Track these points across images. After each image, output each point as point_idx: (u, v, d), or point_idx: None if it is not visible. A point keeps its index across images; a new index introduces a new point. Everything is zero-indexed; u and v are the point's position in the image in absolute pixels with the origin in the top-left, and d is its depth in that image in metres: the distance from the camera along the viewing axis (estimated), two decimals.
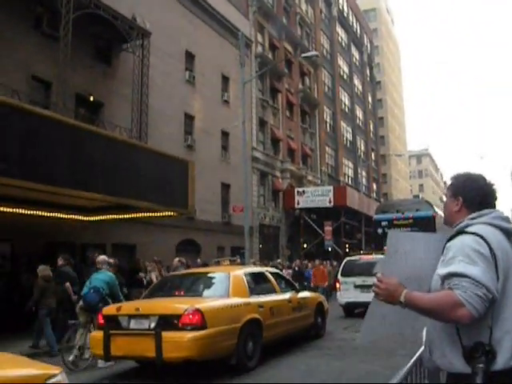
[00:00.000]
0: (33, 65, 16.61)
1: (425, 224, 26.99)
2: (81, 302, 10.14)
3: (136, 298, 11.76)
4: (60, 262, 12.27)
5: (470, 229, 2.49)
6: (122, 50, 20.22)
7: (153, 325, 7.78)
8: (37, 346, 11.25)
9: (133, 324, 8.05)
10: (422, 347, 3.32)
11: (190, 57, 25.81)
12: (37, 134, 11.71)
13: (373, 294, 2.54)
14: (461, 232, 2.50)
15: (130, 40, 19.25)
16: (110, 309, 8.74)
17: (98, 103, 19.50)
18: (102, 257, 10.94)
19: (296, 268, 23.29)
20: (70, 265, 12.58)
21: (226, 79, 29.04)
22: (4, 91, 13.96)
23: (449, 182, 2.80)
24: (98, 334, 8.37)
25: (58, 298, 11.89)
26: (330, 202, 34.33)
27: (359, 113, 56.78)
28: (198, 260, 19.10)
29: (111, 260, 13.34)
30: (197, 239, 24.79)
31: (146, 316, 7.97)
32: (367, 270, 16.20)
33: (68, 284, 11.87)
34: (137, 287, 14.39)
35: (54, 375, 3.16)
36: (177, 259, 16.92)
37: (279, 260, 27.05)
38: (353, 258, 18.16)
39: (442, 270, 2.42)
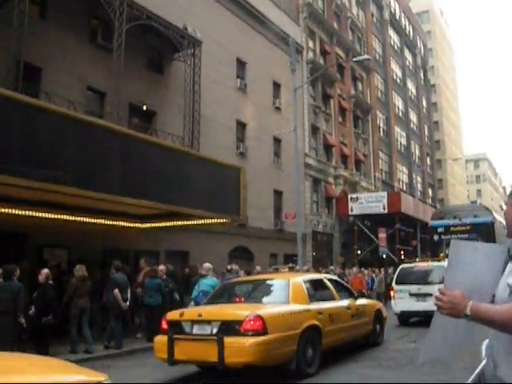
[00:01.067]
0: (88, 76, 17.08)
1: (483, 230, 26.04)
2: (192, 303, 11.39)
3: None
4: (112, 269, 12.48)
5: None
6: (174, 60, 20.51)
7: (215, 330, 7.91)
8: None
9: (195, 329, 8.20)
10: (484, 361, 3.11)
11: (241, 64, 25.96)
12: (92, 144, 11.97)
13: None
14: None
15: (182, 49, 19.51)
16: (173, 314, 8.90)
17: (150, 112, 19.85)
18: (207, 264, 12.17)
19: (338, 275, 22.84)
20: (123, 272, 12.76)
21: (277, 86, 29.04)
22: (60, 102, 14.39)
23: (509, 189, 2.62)
24: (162, 339, 8.52)
25: (110, 305, 12.09)
26: (384, 208, 33.70)
27: (413, 117, 55.73)
28: (233, 265, 19.04)
29: (163, 266, 13.49)
30: (249, 246, 24.79)
31: (208, 322, 8.10)
32: (423, 277, 15.78)
33: (116, 291, 12.03)
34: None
35: (100, 382, 3.16)
36: (227, 267, 17.18)
37: (332, 267, 26.71)
38: (408, 265, 17.70)
39: None
